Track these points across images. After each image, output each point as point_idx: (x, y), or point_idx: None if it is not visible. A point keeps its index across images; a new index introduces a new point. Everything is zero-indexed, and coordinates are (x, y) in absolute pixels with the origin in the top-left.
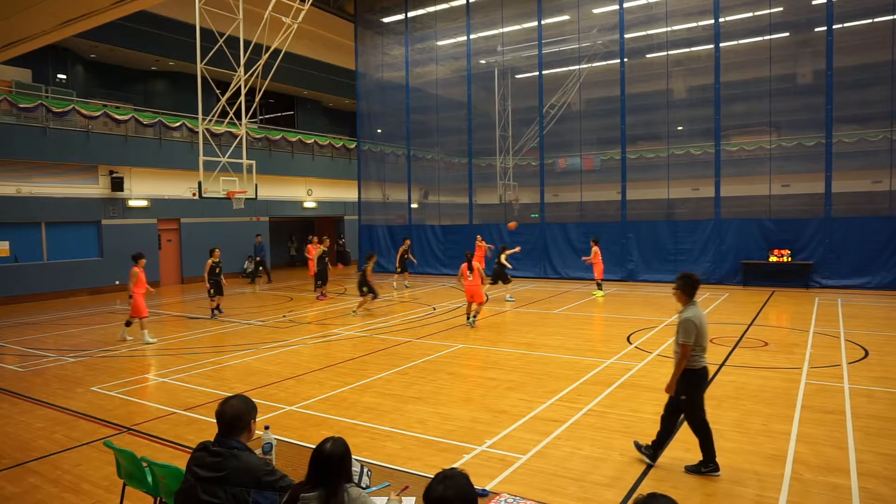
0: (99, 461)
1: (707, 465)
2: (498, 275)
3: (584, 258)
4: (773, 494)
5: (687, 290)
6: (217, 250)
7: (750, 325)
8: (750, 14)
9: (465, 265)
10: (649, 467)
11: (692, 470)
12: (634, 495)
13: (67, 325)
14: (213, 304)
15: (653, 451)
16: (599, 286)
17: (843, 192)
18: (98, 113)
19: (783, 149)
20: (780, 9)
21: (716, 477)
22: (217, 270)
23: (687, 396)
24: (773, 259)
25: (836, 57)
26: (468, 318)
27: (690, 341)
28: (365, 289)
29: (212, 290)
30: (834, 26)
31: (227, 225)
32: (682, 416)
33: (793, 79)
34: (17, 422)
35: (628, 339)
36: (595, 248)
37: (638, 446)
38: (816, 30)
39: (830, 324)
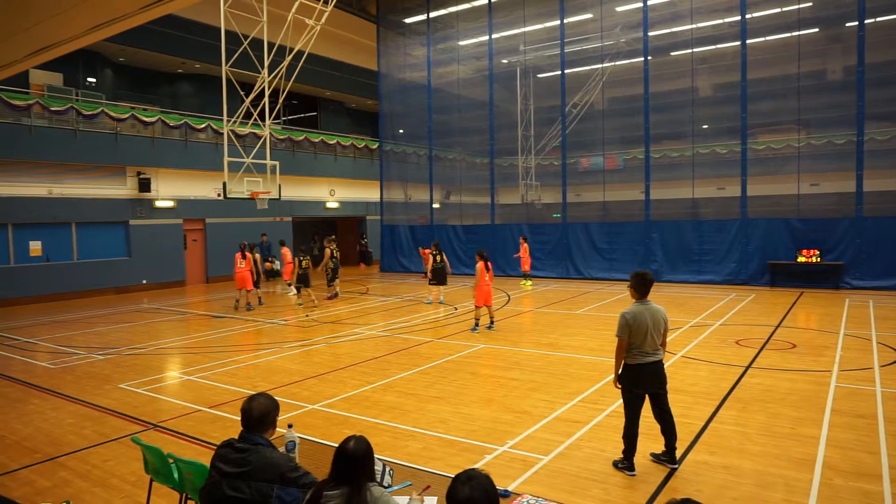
0: (126, 457)
1: (623, 462)
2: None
3: (514, 255)
4: (801, 499)
5: (637, 289)
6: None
7: (777, 327)
8: (778, 10)
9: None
10: (673, 470)
11: (615, 463)
12: (660, 498)
13: (96, 323)
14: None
15: (669, 455)
16: (526, 277)
17: (875, 192)
18: (126, 115)
19: (812, 147)
20: (809, 4)
21: (738, 481)
22: (304, 264)
23: (622, 389)
24: (801, 259)
25: (868, 52)
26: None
27: (623, 336)
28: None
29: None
30: (865, 21)
31: (252, 225)
32: (662, 407)
33: (822, 75)
34: (49, 417)
35: None
36: (524, 245)
37: (655, 457)
38: (847, 25)
39: (861, 326)
